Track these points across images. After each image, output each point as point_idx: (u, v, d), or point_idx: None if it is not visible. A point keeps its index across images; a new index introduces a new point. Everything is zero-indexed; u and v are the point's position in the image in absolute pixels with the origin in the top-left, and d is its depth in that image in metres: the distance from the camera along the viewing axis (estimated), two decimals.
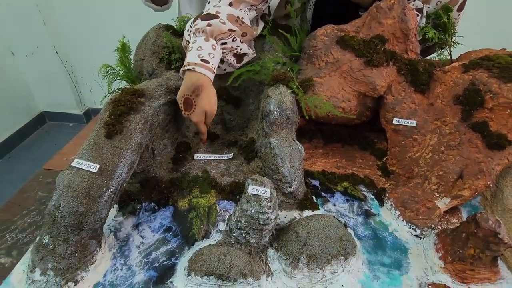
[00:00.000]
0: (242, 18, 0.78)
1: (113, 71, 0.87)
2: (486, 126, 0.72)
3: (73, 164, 0.57)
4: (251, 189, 0.58)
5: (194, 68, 0.71)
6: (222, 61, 0.82)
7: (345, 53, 0.80)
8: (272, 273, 0.59)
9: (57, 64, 2.45)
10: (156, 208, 0.72)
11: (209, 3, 0.82)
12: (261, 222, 0.58)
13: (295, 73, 0.82)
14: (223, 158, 0.84)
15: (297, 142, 0.78)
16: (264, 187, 0.57)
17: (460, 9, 0.95)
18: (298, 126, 0.92)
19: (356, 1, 0.87)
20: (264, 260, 0.60)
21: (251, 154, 0.84)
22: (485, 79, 0.73)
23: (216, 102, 0.77)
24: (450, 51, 1.01)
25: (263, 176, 0.72)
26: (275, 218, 0.59)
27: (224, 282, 0.55)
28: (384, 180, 0.86)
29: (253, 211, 0.57)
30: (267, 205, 0.57)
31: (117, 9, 2.12)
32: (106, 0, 2.12)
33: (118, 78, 0.89)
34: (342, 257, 0.61)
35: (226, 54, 0.81)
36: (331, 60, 0.83)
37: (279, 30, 0.89)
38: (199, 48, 0.73)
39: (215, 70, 0.75)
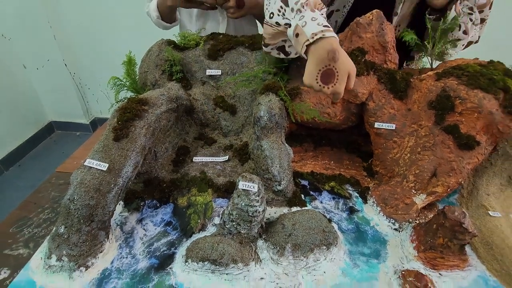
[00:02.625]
0: None
1: (120, 82, 0.96)
2: (457, 128, 0.79)
3: (86, 163, 0.65)
4: (241, 184, 0.65)
5: (324, 34, 0.65)
6: None
7: None
8: (260, 260, 0.66)
9: (66, 76, 2.57)
10: (158, 205, 0.80)
11: None
12: (250, 214, 0.65)
13: (284, 82, 0.90)
14: (219, 161, 0.92)
15: (286, 144, 0.86)
16: (253, 183, 0.65)
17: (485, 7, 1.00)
18: (289, 131, 1.00)
19: (432, 4, 0.89)
20: (253, 249, 0.67)
21: (245, 156, 0.92)
22: (455, 86, 0.80)
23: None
24: (432, 59, 1.09)
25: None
26: (263, 210, 0.66)
27: (217, 267, 0.62)
28: (369, 180, 0.93)
29: (243, 204, 0.65)
30: (255, 199, 0.64)
31: (122, 25, 2.25)
32: (113, 17, 2.25)
33: (125, 88, 0.98)
34: (325, 247, 0.68)
35: None
36: None
37: None
38: (313, 19, 0.67)
39: None
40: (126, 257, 0.67)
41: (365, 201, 0.86)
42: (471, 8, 1.01)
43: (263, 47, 0.86)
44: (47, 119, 2.84)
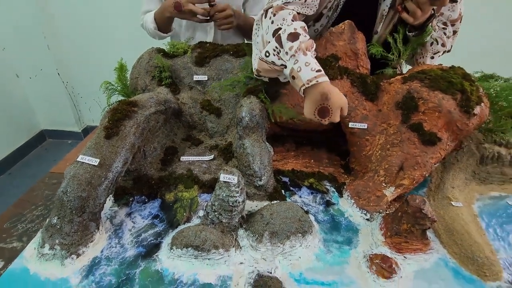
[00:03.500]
0: (305, 26, 0.85)
1: (112, 87, 1.02)
2: (421, 126, 0.87)
3: (78, 159, 0.71)
4: (222, 177, 0.71)
5: (317, 81, 0.76)
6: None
7: None
8: (240, 247, 0.72)
9: (58, 85, 2.62)
10: (146, 200, 0.85)
11: (273, 22, 0.86)
12: (230, 204, 0.70)
13: (265, 86, 0.97)
14: (205, 159, 0.98)
15: (266, 143, 0.93)
16: (233, 175, 0.71)
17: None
18: (272, 133, 1.07)
19: (410, 22, 0.98)
20: (234, 237, 0.73)
21: (229, 155, 0.98)
22: (418, 88, 0.89)
23: (342, 94, 0.80)
24: (401, 67, 1.19)
25: None
26: (243, 201, 0.72)
27: (200, 252, 0.67)
28: (346, 176, 1.00)
29: (224, 195, 0.71)
30: (235, 190, 0.70)
31: (115, 36, 2.33)
32: (106, 28, 2.32)
33: (116, 92, 1.04)
34: (300, 234, 0.73)
35: None
36: None
37: None
38: (306, 64, 0.77)
39: None
40: (115, 247, 0.71)
41: (341, 195, 0.92)
42: (445, 23, 1.12)
43: (255, 74, 0.93)
44: (39, 128, 2.86)
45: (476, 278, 0.69)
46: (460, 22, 1.13)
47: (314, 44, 0.84)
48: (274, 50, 0.83)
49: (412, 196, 0.73)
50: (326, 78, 0.78)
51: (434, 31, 1.04)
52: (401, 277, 0.68)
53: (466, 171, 1.00)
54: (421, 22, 0.98)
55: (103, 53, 2.40)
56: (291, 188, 0.94)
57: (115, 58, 1.14)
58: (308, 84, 0.77)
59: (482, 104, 0.89)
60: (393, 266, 0.68)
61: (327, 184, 0.97)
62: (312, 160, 1.07)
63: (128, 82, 1.08)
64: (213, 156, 0.99)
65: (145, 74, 1.10)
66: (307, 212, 0.84)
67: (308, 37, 0.83)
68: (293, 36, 0.80)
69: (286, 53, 0.80)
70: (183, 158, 0.99)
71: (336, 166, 1.05)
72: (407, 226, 0.73)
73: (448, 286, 0.67)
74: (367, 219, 0.84)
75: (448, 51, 1.18)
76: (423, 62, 1.12)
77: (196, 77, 1.09)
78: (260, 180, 0.87)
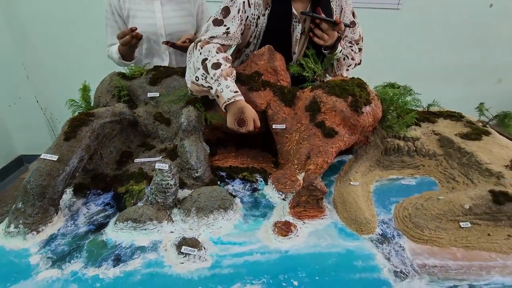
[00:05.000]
0: (228, 56, 1.13)
1: (76, 104, 1.22)
2: (323, 123, 1.11)
3: (41, 157, 0.89)
4: (157, 165, 0.90)
5: (235, 99, 1.03)
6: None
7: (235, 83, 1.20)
8: (173, 221, 0.90)
9: (37, 111, 2.78)
10: (101, 193, 1.03)
11: (201, 53, 1.11)
12: (164, 186, 0.89)
13: (201, 97, 1.20)
14: (155, 160, 1.17)
15: (203, 143, 1.13)
16: (165, 164, 0.90)
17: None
18: (216, 138, 1.28)
19: (321, 44, 1.24)
20: (168, 213, 0.91)
21: (175, 155, 1.17)
22: (320, 94, 1.13)
23: (253, 109, 1.08)
24: (323, 80, 1.45)
25: (181, 169, 1.06)
26: (174, 184, 0.91)
27: (137, 224, 0.84)
28: (275, 169, 1.21)
29: (158, 179, 0.90)
30: (168, 175, 0.90)
31: (91, 62, 2.55)
32: (82, 56, 2.55)
33: (80, 109, 1.23)
34: (222, 210, 0.92)
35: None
36: None
37: None
38: (227, 86, 1.04)
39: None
40: (70, 226, 0.88)
41: (266, 183, 1.13)
42: (350, 43, 1.41)
43: (189, 93, 1.20)
44: (17, 153, 2.97)
45: (355, 233, 0.89)
46: (362, 41, 1.42)
47: (234, 71, 1.12)
48: (202, 76, 1.10)
49: (308, 174, 0.95)
50: (242, 97, 1.06)
51: (344, 49, 1.32)
52: (297, 235, 0.87)
53: (371, 160, 1.23)
54: (331, 43, 1.25)
55: (80, 80, 2.60)
56: (226, 180, 1.14)
57: (92, 85, 1.35)
58: (228, 101, 1.05)
59: (372, 104, 1.15)
60: (291, 227, 0.88)
61: (258, 176, 1.17)
62: (249, 159, 1.28)
63: (91, 100, 1.28)
64: (161, 157, 1.18)
65: (106, 93, 1.31)
66: (234, 196, 1.04)
67: (228, 65, 1.10)
68: (216, 66, 1.08)
69: (211, 78, 1.07)
70: (136, 160, 1.17)
71: (268, 162, 1.26)
72: (305, 197, 0.93)
73: (333, 240, 0.86)
74: (283, 199, 1.03)
75: (359, 64, 1.46)
76: (340, 74, 1.38)
77: (149, 94, 1.31)
78: (197, 172, 1.06)
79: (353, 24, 1.36)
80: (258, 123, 1.08)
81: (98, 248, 0.81)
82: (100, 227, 0.88)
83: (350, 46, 1.42)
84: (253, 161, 1.27)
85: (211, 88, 1.09)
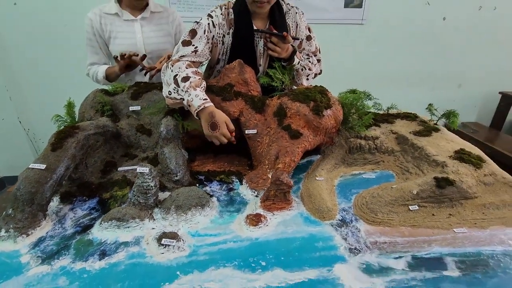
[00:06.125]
0: (197, 70, 1.28)
1: (62, 119, 1.30)
2: (290, 127, 1.24)
3: (30, 166, 0.97)
4: (139, 169, 1.00)
5: (204, 106, 1.14)
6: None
7: (209, 94, 1.32)
8: (154, 219, 0.98)
9: (20, 132, 2.81)
10: (86, 199, 1.10)
11: (172, 71, 1.25)
12: (144, 188, 0.99)
13: (179, 108, 1.31)
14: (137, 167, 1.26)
15: (182, 150, 1.24)
16: (145, 167, 1.00)
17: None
18: (196, 146, 1.39)
19: (278, 57, 1.40)
20: (150, 213, 1.00)
21: (156, 162, 1.27)
22: (286, 101, 1.27)
23: (224, 113, 1.19)
24: (291, 89, 1.59)
25: (162, 174, 1.16)
26: (155, 185, 1.01)
27: (121, 222, 0.93)
28: (249, 171, 1.32)
29: (140, 182, 0.99)
30: (148, 177, 0.99)
31: (73, 82, 2.63)
32: (65, 78, 2.63)
33: (66, 123, 1.32)
34: (200, 207, 1.02)
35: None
36: None
37: None
38: (196, 95, 1.15)
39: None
40: (58, 229, 0.95)
41: (241, 183, 1.23)
42: (308, 55, 1.57)
43: (166, 106, 1.32)
44: None
45: (318, 220, 1.00)
46: (320, 52, 1.59)
47: (204, 82, 1.25)
48: (174, 89, 1.23)
49: (276, 170, 1.06)
50: (211, 104, 1.18)
51: (302, 61, 1.48)
52: (267, 225, 0.97)
53: (337, 159, 1.36)
54: (287, 55, 1.40)
55: (62, 99, 2.67)
56: (204, 182, 1.24)
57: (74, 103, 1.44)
58: (199, 108, 1.16)
59: (333, 108, 1.29)
60: (261, 218, 0.98)
61: (234, 177, 1.28)
62: (226, 163, 1.39)
63: (75, 116, 1.37)
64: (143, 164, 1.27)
65: (90, 108, 1.40)
66: (211, 195, 1.14)
67: (197, 78, 1.23)
68: (186, 79, 1.21)
69: (182, 90, 1.21)
70: (120, 169, 1.26)
71: (244, 165, 1.37)
72: (273, 192, 1.04)
73: (298, 227, 0.97)
74: (256, 196, 1.14)
75: (320, 73, 1.63)
76: (300, 83, 1.53)
77: (131, 108, 1.41)
78: (176, 176, 1.16)
79: (308, 38, 1.53)
80: (231, 126, 1.19)
81: (84, 246, 0.88)
82: (86, 228, 0.96)
83: (307, 58, 1.58)
84: (230, 165, 1.37)
85: (183, 100, 1.21)
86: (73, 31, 2.49)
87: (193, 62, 1.31)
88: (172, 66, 1.26)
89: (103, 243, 0.89)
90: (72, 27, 2.50)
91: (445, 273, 0.80)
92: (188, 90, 1.18)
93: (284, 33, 1.33)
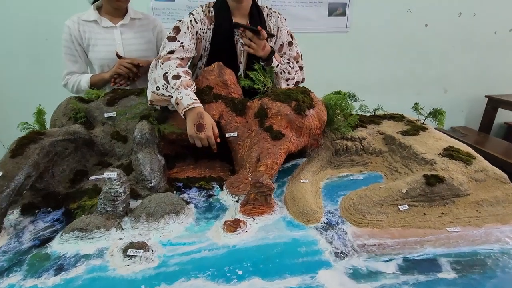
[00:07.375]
0: (188, 70, 1.23)
1: (30, 127, 1.22)
2: (271, 128, 1.18)
3: None
4: (106, 174, 0.92)
5: (194, 106, 1.10)
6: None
7: None
8: (122, 228, 0.90)
9: (1, 152, 2.70)
10: (51, 210, 1.01)
11: (162, 68, 1.21)
12: (112, 194, 0.90)
13: (156, 112, 1.25)
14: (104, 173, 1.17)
15: (158, 155, 1.16)
16: (113, 172, 0.92)
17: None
18: (175, 152, 1.32)
19: (258, 55, 1.36)
20: (118, 222, 0.91)
21: (130, 170, 1.19)
22: (267, 101, 1.22)
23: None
24: (271, 92, 1.54)
25: (136, 181, 1.08)
26: (124, 192, 0.93)
27: (84, 233, 0.84)
28: (231, 177, 1.25)
29: (107, 188, 0.91)
30: (116, 183, 0.91)
31: (52, 96, 2.57)
32: (44, 95, 2.55)
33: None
34: (174, 214, 0.94)
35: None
36: None
37: None
38: (186, 94, 1.12)
39: None
40: (13, 244, 0.85)
41: (221, 189, 1.16)
42: (288, 59, 1.54)
43: (149, 104, 1.25)
44: None
45: (301, 224, 0.92)
46: (302, 59, 1.57)
47: (194, 83, 1.21)
48: (163, 86, 1.18)
49: (256, 173, 0.99)
50: (200, 104, 1.13)
51: (282, 64, 1.45)
52: (246, 231, 0.89)
53: (323, 161, 1.30)
54: (264, 54, 1.37)
55: (33, 108, 2.59)
56: (183, 189, 1.16)
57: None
58: (188, 107, 1.12)
59: (316, 108, 1.24)
60: (240, 224, 0.90)
61: (214, 183, 1.20)
62: (207, 169, 1.31)
63: (45, 123, 1.29)
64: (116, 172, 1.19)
65: (62, 116, 1.33)
66: (188, 202, 1.06)
67: (188, 78, 1.19)
68: (177, 77, 1.17)
69: (172, 87, 1.16)
70: (91, 178, 1.17)
71: (226, 171, 1.30)
72: (254, 195, 0.97)
73: (280, 232, 0.89)
74: (236, 201, 1.06)
75: (302, 81, 1.59)
76: (280, 86, 1.49)
77: (106, 114, 1.34)
78: (151, 183, 1.08)
79: (290, 44, 1.52)
80: (216, 131, 1.15)
81: (40, 261, 0.79)
82: (45, 241, 0.86)
83: (287, 62, 1.54)
84: (211, 171, 1.30)
85: (171, 97, 1.16)
86: (53, 42, 2.45)
87: (182, 59, 1.29)
88: (162, 64, 1.22)
89: (62, 257, 0.80)
90: (41, 34, 2.46)
91: (439, 275, 0.72)
92: (179, 88, 1.14)
93: (259, 27, 1.30)
